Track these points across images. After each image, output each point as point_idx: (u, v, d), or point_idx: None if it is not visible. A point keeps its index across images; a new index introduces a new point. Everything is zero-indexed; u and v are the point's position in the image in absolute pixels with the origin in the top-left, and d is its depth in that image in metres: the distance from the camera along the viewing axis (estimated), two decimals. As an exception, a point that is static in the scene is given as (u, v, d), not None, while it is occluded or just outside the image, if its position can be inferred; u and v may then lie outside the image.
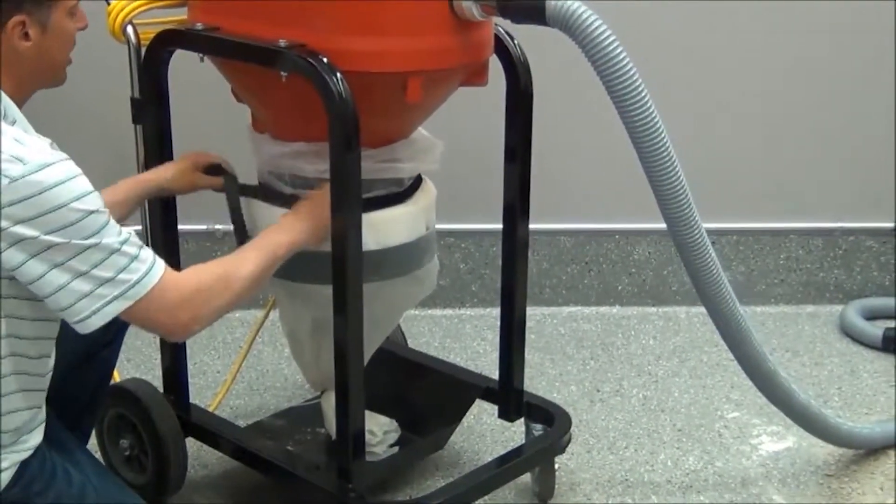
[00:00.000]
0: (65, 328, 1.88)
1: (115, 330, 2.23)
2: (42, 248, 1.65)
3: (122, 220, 1.87)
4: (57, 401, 1.95)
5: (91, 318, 1.71)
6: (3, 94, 1.76)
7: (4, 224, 1.62)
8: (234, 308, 1.90)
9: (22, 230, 1.63)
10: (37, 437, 1.86)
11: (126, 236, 1.73)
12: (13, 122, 1.76)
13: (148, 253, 1.76)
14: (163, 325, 1.81)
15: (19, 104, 1.81)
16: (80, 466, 1.91)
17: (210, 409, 2.61)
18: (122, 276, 1.71)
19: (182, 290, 1.80)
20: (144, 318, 1.78)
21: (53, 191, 1.64)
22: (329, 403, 2.40)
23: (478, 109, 2.52)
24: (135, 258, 1.73)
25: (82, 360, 2.17)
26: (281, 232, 2.02)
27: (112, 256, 1.70)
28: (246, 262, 1.92)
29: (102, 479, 1.94)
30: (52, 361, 1.90)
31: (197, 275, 1.85)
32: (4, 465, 1.79)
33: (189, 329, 1.84)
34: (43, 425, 1.87)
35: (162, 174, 2.23)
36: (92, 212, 1.68)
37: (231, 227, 2.22)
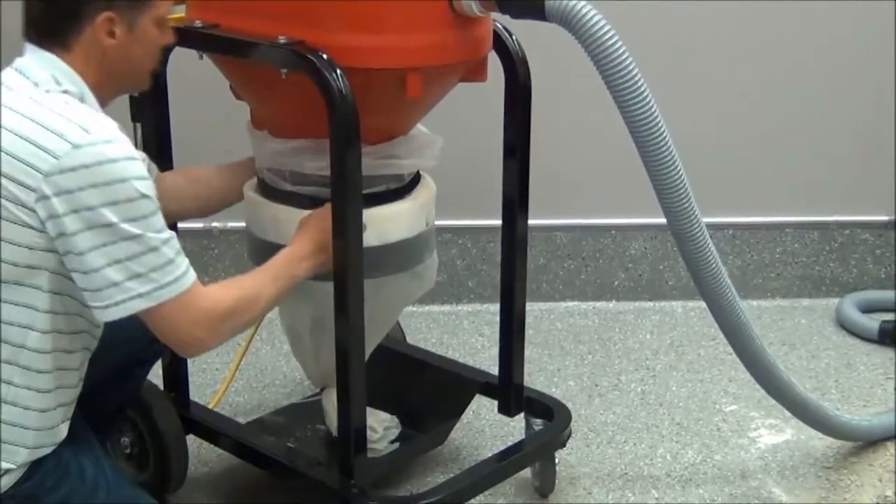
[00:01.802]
0: (104, 342, 1.90)
1: (154, 351, 2.23)
2: (97, 221, 1.66)
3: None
4: (83, 407, 1.95)
5: (112, 308, 1.72)
6: (85, 85, 1.78)
7: (68, 188, 1.65)
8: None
9: (81, 198, 1.65)
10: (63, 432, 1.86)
11: (167, 236, 1.74)
12: None
13: (183, 260, 1.77)
14: (180, 335, 1.81)
15: (101, 102, 1.82)
16: (97, 461, 1.91)
17: (210, 407, 2.61)
18: (153, 274, 1.72)
19: (204, 307, 1.81)
20: (162, 323, 1.78)
21: (117, 164, 1.67)
22: (329, 400, 2.40)
23: (476, 105, 2.52)
24: (170, 261, 1.74)
25: (117, 374, 2.18)
26: (297, 261, 2.01)
27: (149, 253, 1.71)
28: (265, 288, 1.94)
29: (117, 477, 1.94)
30: (86, 359, 1.90)
31: (222, 294, 1.86)
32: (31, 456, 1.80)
33: (203, 345, 1.85)
34: (68, 422, 1.88)
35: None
36: (145, 196, 1.70)
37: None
